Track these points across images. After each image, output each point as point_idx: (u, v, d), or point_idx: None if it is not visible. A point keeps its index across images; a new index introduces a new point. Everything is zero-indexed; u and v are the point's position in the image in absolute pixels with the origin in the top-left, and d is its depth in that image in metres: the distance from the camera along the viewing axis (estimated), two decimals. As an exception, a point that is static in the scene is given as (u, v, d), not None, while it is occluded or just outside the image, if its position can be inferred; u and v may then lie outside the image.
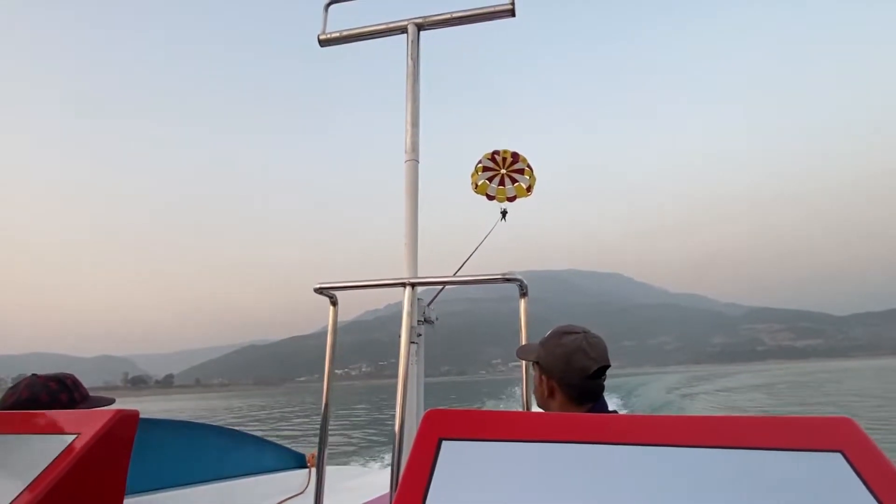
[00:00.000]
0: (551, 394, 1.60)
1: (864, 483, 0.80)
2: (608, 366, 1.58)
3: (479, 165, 4.51)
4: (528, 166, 4.52)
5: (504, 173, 4.48)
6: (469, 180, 4.58)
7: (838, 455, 0.84)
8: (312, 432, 22.69)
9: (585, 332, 1.62)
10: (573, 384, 1.55)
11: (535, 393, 1.69)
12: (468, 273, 2.01)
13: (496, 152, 4.52)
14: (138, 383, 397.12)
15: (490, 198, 4.44)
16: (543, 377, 1.63)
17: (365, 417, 30.83)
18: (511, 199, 4.44)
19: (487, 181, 4.46)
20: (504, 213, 4.42)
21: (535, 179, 4.53)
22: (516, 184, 4.46)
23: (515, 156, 4.52)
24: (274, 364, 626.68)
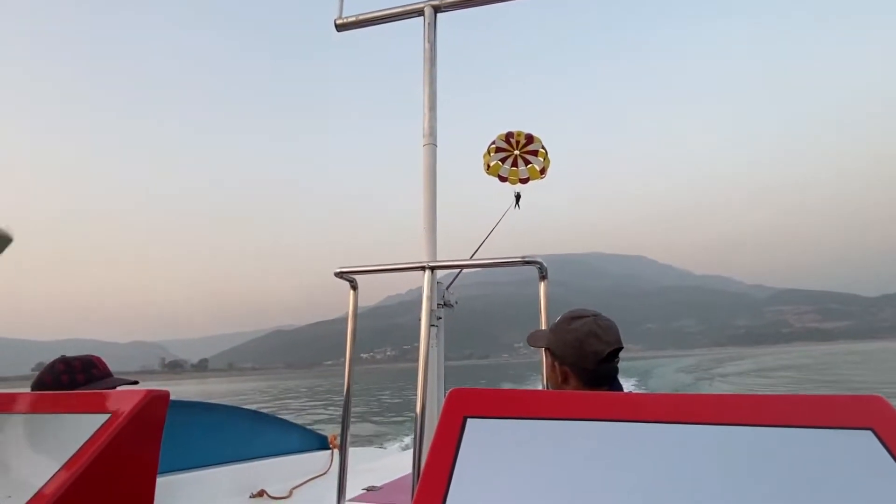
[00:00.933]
0: (565, 379, 1.59)
1: (895, 459, 0.79)
2: (621, 348, 1.56)
3: (493, 146, 4.40)
4: (543, 148, 4.39)
5: (517, 154, 4.37)
6: (482, 161, 4.48)
7: (869, 432, 0.84)
8: (356, 412, 23.26)
9: (595, 315, 1.59)
10: (587, 369, 1.54)
11: (548, 379, 1.69)
12: (488, 256, 2.00)
13: (510, 133, 4.40)
14: (175, 367, 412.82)
15: (502, 179, 4.35)
16: (556, 363, 1.61)
17: (386, 400, 30.85)
18: (524, 182, 4.35)
19: (500, 162, 4.35)
20: (518, 198, 4.33)
21: (549, 162, 4.41)
22: (529, 165, 4.36)
23: (530, 137, 4.38)
24: (301, 348, 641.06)
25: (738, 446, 0.85)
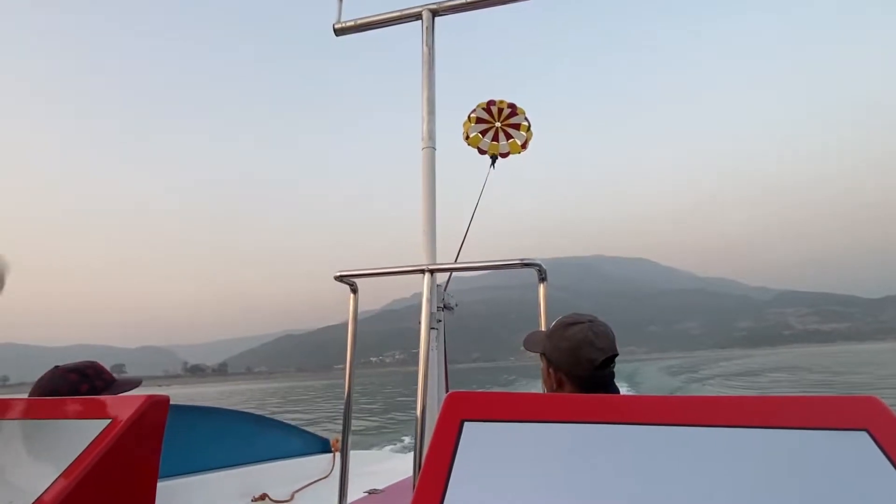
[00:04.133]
0: (560, 385, 1.60)
1: (890, 461, 0.80)
2: (616, 355, 1.57)
3: (473, 115, 4.04)
4: (526, 120, 4.04)
5: (499, 127, 4.02)
6: (461, 129, 4.09)
7: (864, 433, 0.84)
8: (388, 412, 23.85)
9: (591, 321, 1.59)
10: (581, 376, 1.55)
11: (543, 384, 1.69)
12: (487, 259, 1.97)
13: (492, 102, 4.05)
14: (197, 372, 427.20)
15: (482, 152, 4.01)
16: (551, 369, 1.62)
17: (389, 402, 30.74)
18: (504, 156, 4.01)
19: (480, 134, 3.99)
20: (494, 161, 3.96)
21: (531, 135, 4.06)
22: (511, 139, 3.98)
23: (513, 107, 4.03)
24: (311, 352, 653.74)
25: (733, 448, 0.86)
